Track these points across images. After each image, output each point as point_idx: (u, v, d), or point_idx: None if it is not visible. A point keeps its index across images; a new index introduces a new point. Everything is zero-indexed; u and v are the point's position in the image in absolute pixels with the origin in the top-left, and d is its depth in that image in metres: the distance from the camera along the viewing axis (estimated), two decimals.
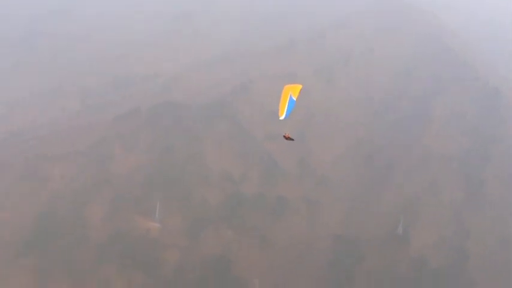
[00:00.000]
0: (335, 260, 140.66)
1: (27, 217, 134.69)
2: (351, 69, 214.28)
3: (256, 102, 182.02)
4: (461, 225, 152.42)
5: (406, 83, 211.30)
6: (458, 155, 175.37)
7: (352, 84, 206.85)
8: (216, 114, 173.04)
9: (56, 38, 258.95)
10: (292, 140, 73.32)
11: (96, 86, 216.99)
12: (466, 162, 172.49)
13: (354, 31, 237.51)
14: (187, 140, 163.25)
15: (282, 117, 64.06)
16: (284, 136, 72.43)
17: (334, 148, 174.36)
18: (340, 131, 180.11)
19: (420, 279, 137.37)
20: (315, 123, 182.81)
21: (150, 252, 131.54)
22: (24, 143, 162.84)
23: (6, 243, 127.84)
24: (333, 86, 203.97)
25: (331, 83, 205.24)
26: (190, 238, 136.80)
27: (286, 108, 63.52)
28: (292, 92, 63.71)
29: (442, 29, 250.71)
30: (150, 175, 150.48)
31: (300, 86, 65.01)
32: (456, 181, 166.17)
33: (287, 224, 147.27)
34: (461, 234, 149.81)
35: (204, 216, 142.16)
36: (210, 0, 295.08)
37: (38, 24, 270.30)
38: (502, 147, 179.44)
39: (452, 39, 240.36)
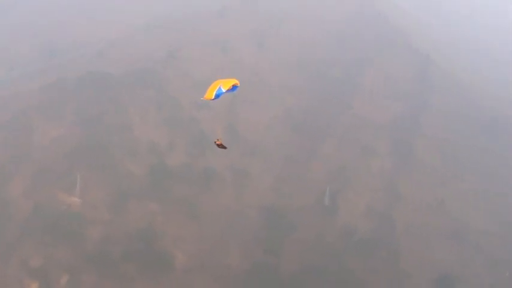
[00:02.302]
0: (264, 230, 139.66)
1: None
2: (283, 35, 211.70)
3: (184, 70, 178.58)
4: (390, 192, 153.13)
5: (338, 49, 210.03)
6: (388, 122, 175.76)
7: (284, 49, 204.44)
8: (143, 83, 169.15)
9: None
10: (225, 148, 67.11)
11: (23, 54, 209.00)
12: (396, 129, 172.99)
13: None
14: (113, 110, 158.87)
15: (202, 99, 57.50)
16: (215, 143, 65.90)
17: (264, 115, 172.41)
18: (270, 97, 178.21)
19: (347, 248, 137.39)
20: (244, 89, 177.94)
21: (72, 227, 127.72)
22: None
23: None
24: (264, 51, 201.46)
25: (263, 48, 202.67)
26: (113, 212, 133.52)
27: (213, 95, 56.65)
28: (222, 84, 57.25)
29: None
30: (73, 147, 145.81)
31: (234, 81, 58.50)
32: (386, 148, 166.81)
33: (214, 194, 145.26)
34: (389, 202, 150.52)
35: (128, 188, 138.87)
36: None
37: None
38: (432, 113, 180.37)
39: (385, 5, 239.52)
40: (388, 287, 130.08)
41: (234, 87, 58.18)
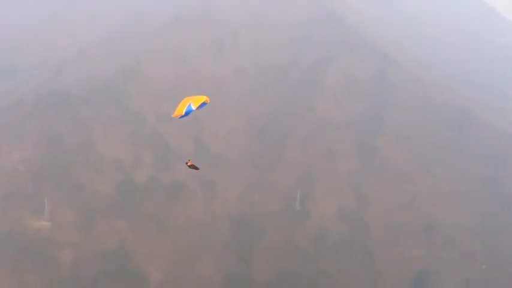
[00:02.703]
0: (235, 239, 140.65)
1: None
2: (240, 42, 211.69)
3: (144, 83, 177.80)
4: (359, 194, 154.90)
5: (296, 52, 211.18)
6: (351, 122, 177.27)
7: (242, 56, 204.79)
8: (104, 99, 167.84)
9: None
10: (197, 169, 63.63)
11: None
12: (359, 129, 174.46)
13: (240, 2, 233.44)
14: (76, 129, 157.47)
15: (176, 116, 55.91)
16: (187, 164, 63.21)
17: (227, 124, 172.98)
18: (232, 105, 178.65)
19: (321, 252, 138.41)
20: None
21: (42, 251, 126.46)
22: None
23: None
24: (222, 59, 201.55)
25: (221, 56, 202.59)
26: (83, 233, 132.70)
27: (183, 112, 55.81)
28: (193, 101, 56.43)
29: None
30: (38, 169, 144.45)
31: (205, 98, 57.54)
32: (351, 149, 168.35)
33: (184, 207, 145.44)
34: (360, 204, 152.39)
35: (96, 208, 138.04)
36: None
37: None
38: (394, 110, 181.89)
39: (339, 5, 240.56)
40: None
41: (203, 104, 57.37)
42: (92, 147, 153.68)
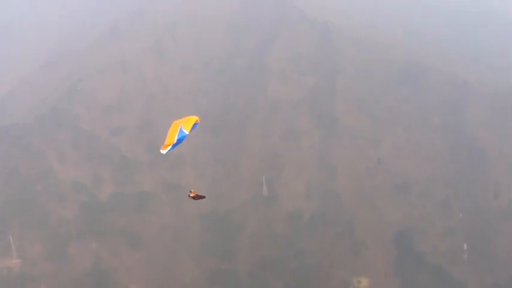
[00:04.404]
0: (212, 237, 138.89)
1: None
2: (180, 40, 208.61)
3: (90, 100, 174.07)
4: (326, 167, 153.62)
5: (237, 38, 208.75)
6: (305, 97, 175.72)
7: (184, 53, 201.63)
8: (53, 125, 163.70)
9: None
10: (204, 197, 59.18)
11: None
12: (314, 102, 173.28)
13: (173, 1, 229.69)
14: (30, 160, 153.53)
15: (163, 151, 50.95)
16: (190, 196, 58.43)
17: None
18: (183, 105, 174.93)
19: (298, 232, 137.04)
20: (156, 103, 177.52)
21: None
22: None
23: None
24: (165, 60, 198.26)
25: (163, 57, 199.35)
26: (56, 262, 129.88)
27: (175, 139, 49.60)
28: (183, 124, 50.47)
29: None
30: None
31: (195, 118, 52.06)
32: (310, 123, 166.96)
33: (153, 216, 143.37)
34: (328, 176, 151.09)
35: (64, 234, 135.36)
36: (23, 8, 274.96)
37: None
38: (344, 77, 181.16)
39: None
40: (349, 259, 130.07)
41: (195, 125, 51.84)
42: (50, 174, 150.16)
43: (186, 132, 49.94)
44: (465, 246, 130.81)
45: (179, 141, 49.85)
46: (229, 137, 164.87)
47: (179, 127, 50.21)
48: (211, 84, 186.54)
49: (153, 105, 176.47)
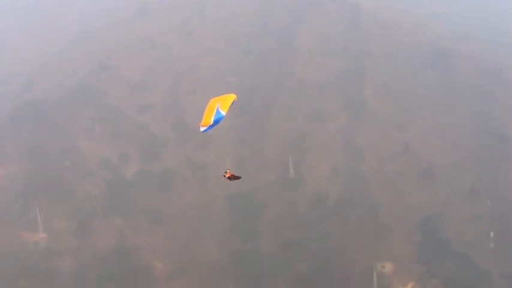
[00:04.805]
0: (235, 217, 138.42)
1: None
2: (209, 20, 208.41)
3: (119, 77, 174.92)
4: (352, 150, 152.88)
5: (266, 19, 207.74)
6: (332, 79, 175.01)
7: (213, 33, 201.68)
8: (80, 101, 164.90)
9: None
10: (239, 178, 57.20)
11: None
12: (342, 84, 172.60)
13: None
14: (57, 136, 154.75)
15: (202, 130, 48.97)
16: (225, 176, 56.20)
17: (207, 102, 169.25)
18: (211, 83, 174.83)
19: (323, 214, 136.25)
20: (185, 82, 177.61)
21: (43, 264, 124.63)
22: None
23: None
24: (193, 40, 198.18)
25: (192, 37, 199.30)
26: (81, 237, 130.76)
27: (211, 121, 47.60)
28: (220, 103, 48.01)
29: None
30: (26, 182, 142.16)
31: (233, 97, 49.38)
32: (337, 106, 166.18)
33: (178, 195, 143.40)
34: (354, 159, 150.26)
35: (89, 210, 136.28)
36: None
37: None
38: (372, 59, 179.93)
39: None
40: (373, 243, 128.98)
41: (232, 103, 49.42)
42: (76, 150, 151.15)
43: (223, 113, 47.90)
44: (492, 234, 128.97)
45: (216, 122, 47.95)
46: (256, 117, 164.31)
47: (216, 107, 48.37)
48: (239, 64, 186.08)
49: (180, 83, 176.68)
